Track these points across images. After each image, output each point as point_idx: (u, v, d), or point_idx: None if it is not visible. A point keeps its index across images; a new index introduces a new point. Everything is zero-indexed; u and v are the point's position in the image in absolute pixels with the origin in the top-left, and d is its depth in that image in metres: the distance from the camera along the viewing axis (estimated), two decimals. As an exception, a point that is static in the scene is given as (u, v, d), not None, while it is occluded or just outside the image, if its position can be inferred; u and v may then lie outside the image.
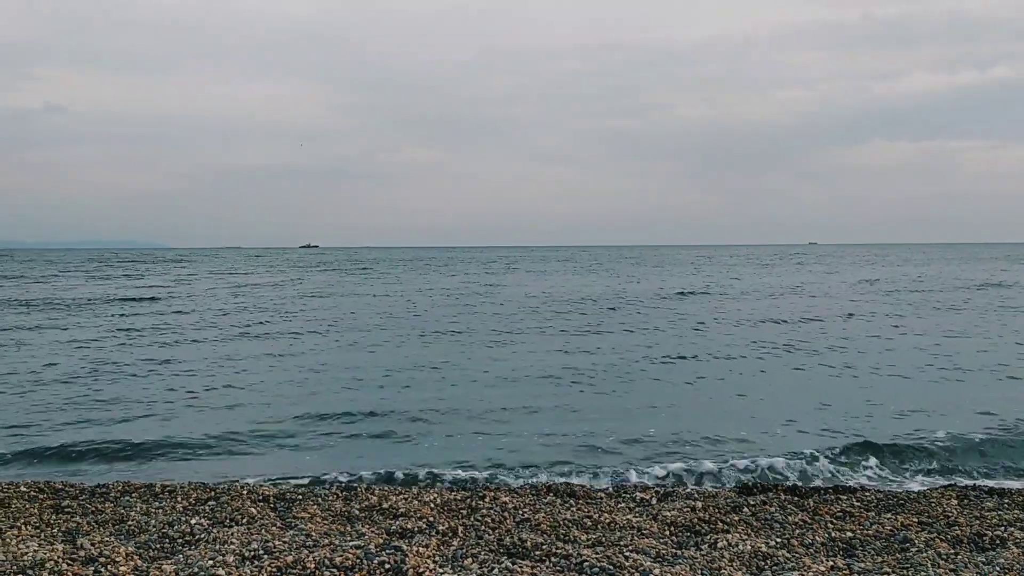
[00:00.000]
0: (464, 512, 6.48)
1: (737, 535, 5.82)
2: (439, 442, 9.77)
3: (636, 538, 5.77)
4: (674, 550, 5.50)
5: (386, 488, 7.40)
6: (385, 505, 6.61)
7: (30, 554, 5.15)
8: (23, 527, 5.95)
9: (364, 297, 35.19)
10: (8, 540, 5.55)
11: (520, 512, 6.44)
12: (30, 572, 4.83)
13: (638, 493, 7.37)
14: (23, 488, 7.24)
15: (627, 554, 5.27)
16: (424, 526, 5.95)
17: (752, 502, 6.88)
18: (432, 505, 6.63)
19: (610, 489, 7.66)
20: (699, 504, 6.79)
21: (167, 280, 49.93)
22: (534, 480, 8.11)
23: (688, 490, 7.55)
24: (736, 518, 6.37)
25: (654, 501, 7.09)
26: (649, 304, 30.18)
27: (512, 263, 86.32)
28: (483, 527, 6.01)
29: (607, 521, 6.23)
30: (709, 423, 10.63)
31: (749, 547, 5.44)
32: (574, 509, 6.65)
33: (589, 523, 6.17)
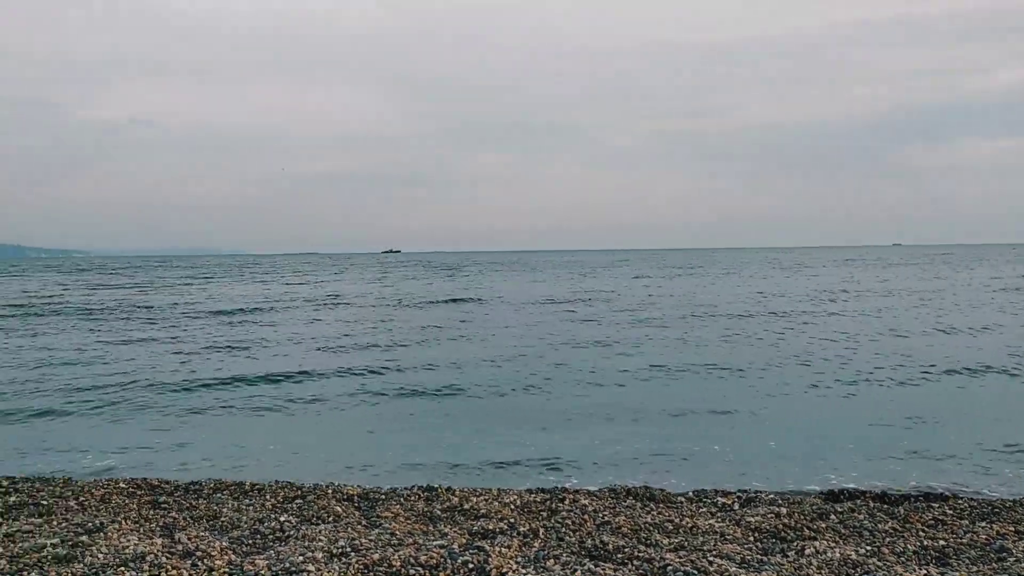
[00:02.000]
0: (544, 514, 6.51)
1: (825, 542, 5.70)
2: (523, 442, 9.81)
3: (719, 543, 5.71)
4: (759, 556, 5.42)
5: (466, 489, 7.48)
6: (466, 506, 6.69)
7: (131, 547, 5.39)
8: (123, 521, 6.22)
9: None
10: (110, 534, 5.81)
11: (600, 515, 6.43)
12: (132, 564, 5.05)
13: (719, 498, 7.28)
14: (122, 484, 7.58)
15: (711, 559, 5.22)
16: (505, 527, 6.01)
17: (839, 509, 6.73)
18: (512, 507, 6.68)
19: (690, 493, 7.58)
20: (783, 510, 6.67)
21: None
22: (613, 483, 8.06)
23: (771, 496, 7.42)
24: (823, 525, 6.24)
25: (736, 506, 6.99)
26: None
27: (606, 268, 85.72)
28: (564, 529, 6.03)
29: (689, 525, 6.18)
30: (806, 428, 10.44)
31: (838, 554, 5.33)
32: (655, 513, 6.61)
33: (671, 527, 6.13)
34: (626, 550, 5.40)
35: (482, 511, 6.55)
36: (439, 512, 6.59)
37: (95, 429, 10.78)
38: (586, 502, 6.85)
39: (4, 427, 10.91)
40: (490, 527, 6.00)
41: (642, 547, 5.51)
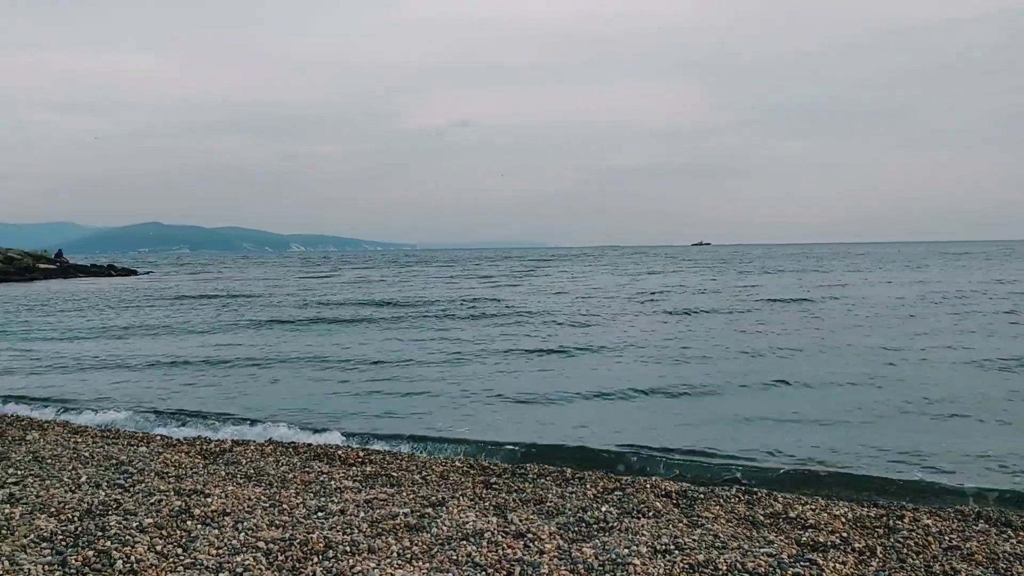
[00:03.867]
0: (880, 531, 6.03)
1: None
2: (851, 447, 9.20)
3: (1102, 585, 4.92)
4: None
5: (789, 496, 7.14)
6: (791, 514, 6.39)
7: (470, 523, 5.82)
8: (461, 498, 6.74)
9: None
10: (451, 508, 6.32)
11: (947, 538, 5.82)
12: (472, 539, 5.45)
13: (1096, 531, 6.27)
14: (457, 463, 8.24)
15: (1095, 603, 4.50)
16: (837, 541, 5.64)
17: None
18: (843, 520, 6.26)
19: (1058, 523, 6.60)
20: None
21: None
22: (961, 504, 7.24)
23: None
24: None
25: (1120, 543, 5.98)
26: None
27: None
28: (905, 550, 5.54)
29: (1060, 560, 5.38)
30: None
31: None
32: (1014, 541, 5.86)
33: (1037, 560, 5.38)
34: (984, 581, 4.84)
35: (810, 521, 6.21)
36: (761, 517, 6.35)
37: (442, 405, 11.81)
38: (929, 522, 6.23)
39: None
40: (820, 539, 5.67)
41: (1003, 580, 4.91)
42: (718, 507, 6.63)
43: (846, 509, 6.58)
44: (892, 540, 5.75)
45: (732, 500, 6.91)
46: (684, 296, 34.76)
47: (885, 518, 6.34)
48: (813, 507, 6.65)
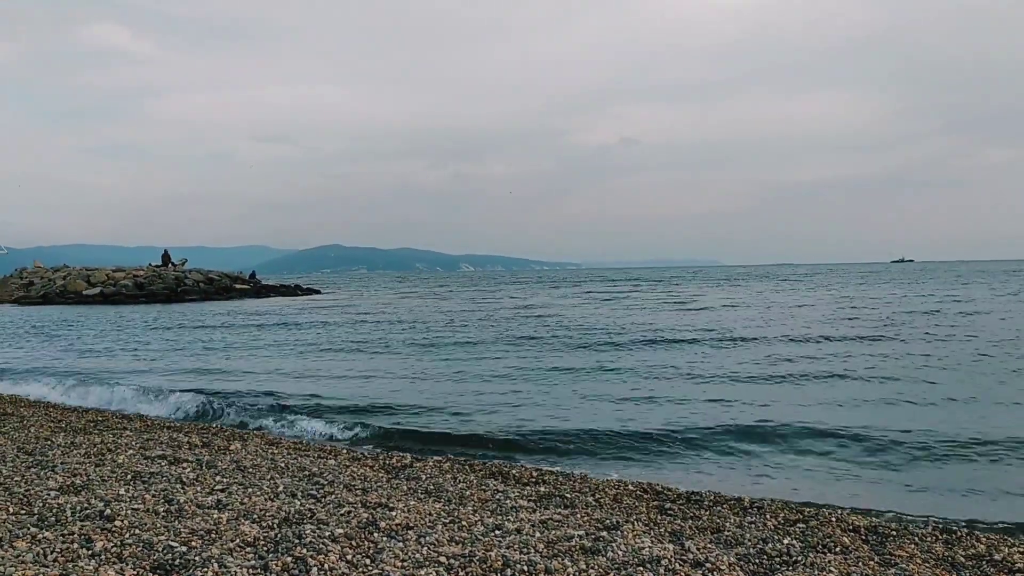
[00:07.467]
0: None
1: None
2: None
3: None
4: None
5: (993, 536, 6.60)
6: (997, 556, 5.90)
7: (646, 549, 5.76)
8: (635, 523, 6.69)
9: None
10: (626, 533, 6.28)
11: None
12: (649, 566, 5.40)
13: None
14: (631, 487, 8.18)
15: None
16: (1053, 590, 5.16)
17: None
18: (1060, 566, 5.71)
19: None
20: None
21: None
22: None
23: None
24: None
25: None
26: None
27: None
28: None
29: None
30: None
31: None
32: None
33: None
34: None
35: (1017, 565, 5.72)
36: (962, 559, 5.91)
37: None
38: None
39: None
40: (1032, 587, 5.21)
41: None
42: (913, 546, 6.22)
43: (1063, 554, 6.01)
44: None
45: (928, 539, 6.46)
46: None
47: (1107, 567, 5.73)
48: (1022, 550, 6.11)
